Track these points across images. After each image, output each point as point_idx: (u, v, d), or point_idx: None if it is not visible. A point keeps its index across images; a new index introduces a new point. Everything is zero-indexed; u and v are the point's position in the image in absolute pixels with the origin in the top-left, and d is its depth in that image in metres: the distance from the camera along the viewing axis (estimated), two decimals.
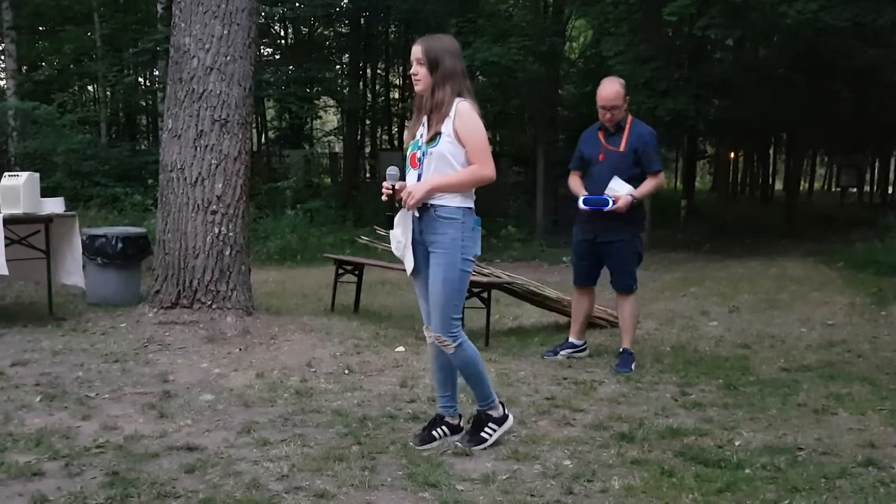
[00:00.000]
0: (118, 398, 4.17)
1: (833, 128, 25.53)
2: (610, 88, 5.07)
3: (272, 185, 15.39)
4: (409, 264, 3.44)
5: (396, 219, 3.43)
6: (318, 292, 8.28)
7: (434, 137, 3.33)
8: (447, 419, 3.56)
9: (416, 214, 3.37)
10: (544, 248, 14.62)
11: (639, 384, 4.72)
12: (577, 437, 3.66)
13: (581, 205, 5.12)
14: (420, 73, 3.33)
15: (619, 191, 4.97)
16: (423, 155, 3.36)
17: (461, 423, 3.60)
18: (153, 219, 8.62)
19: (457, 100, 3.33)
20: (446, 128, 3.32)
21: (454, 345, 3.39)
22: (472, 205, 3.40)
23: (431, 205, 3.33)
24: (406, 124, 28.19)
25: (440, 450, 3.44)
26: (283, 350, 5.34)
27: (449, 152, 3.32)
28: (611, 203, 4.94)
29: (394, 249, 3.51)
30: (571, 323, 5.59)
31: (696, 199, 26.13)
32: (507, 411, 3.61)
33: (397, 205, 3.35)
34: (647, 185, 5.05)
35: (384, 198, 3.39)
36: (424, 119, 3.40)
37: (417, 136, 3.43)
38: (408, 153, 3.47)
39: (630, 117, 5.16)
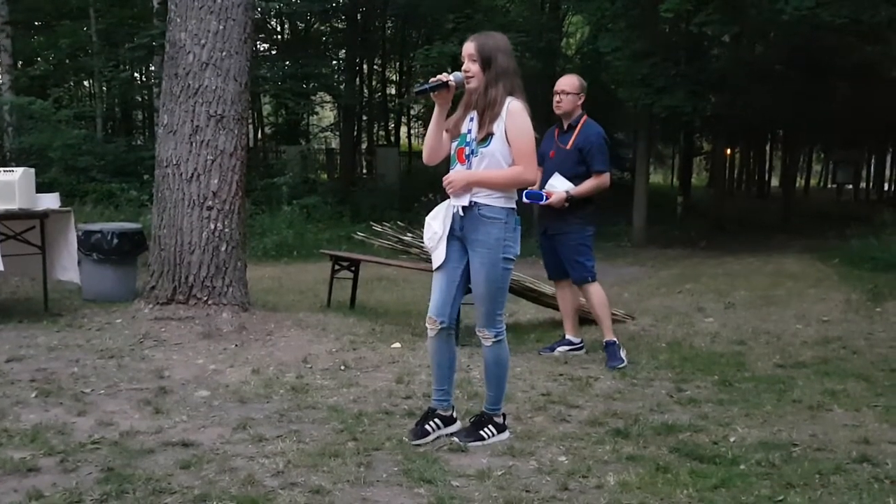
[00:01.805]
0: (114, 394, 4.17)
1: (829, 124, 25.58)
2: (566, 77, 5.34)
3: (268, 181, 15.35)
4: (439, 257, 3.46)
5: (437, 209, 3.46)
6: (315, 288, 8.28)
7: (486, 138, 3.34)
8: (439, 412, 3.57)
9: (461, 213, 3.38)
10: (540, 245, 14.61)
11: (634, 380, 4.73)
12: (572, 434, 3.66)
13: (523, 198, 5.26)
14: (473, 70, 3.34)
15: (557, 187, 5.14)
16: (473, 153, 3.37)
17: (454, 414, 3.62)
18: (149, 214, 8.61)
19: (508, 99, 3.34)
20: (498, 128, 3.33)
21: (494, 339, 3.49)
22: (514, 205, 3.43)
23: (476, 203, 3.35)
24: (403, 120, 28.22)
25: (435, 445, 3.45)
26: (279, 346, 5.34)
27: (500, 153, 3.35)
28: (545, 198, 5.12)
29: (426, 240, 3.51)
30: (563, 319, 5.62)
31: (693, 195, 26.15)
32: (506, 424, 3.63)
33: (430, 90, 3.34)
34: (587, 185, 5.16)
35: (433, 78, 3.39)
36: (473, 115, 3.39)
37: (464, 131, 3.42)
38: (454, 146, 3.47)
39: (584, 117, 5.26)
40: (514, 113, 3.34)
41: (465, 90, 3.42)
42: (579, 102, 5.23)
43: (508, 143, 3.34)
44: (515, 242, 3.44)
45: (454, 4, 17.43)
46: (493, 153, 3.34)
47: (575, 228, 5.21)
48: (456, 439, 3.49)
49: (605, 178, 5.23)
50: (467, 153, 3.40)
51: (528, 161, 3.36)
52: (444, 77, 3.36)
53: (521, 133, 3.35)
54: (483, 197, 3.36)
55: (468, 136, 3.40)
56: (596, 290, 5.28)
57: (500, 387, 3.58)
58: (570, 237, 5.22)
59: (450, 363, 3.60)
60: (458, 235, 3.44)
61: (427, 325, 3.57)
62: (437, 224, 3.45)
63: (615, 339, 5.22)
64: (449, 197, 3.44)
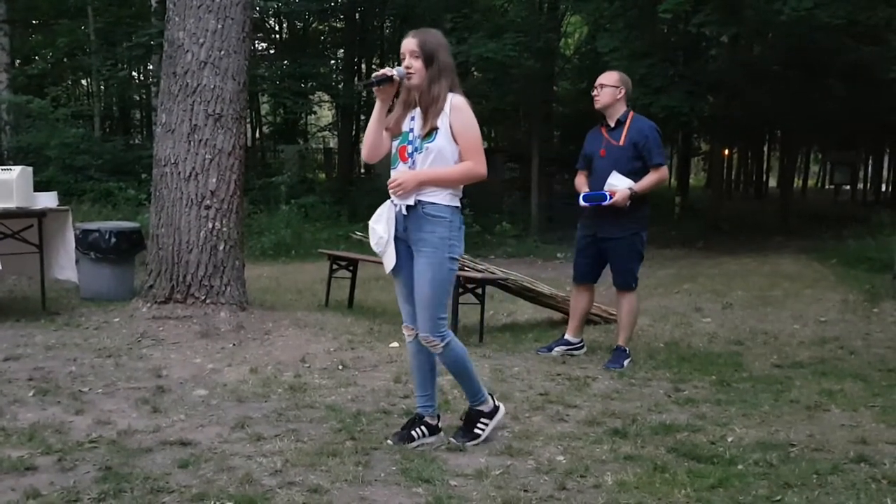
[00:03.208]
0: (111, 393, 4.16)
1: (827, 125, 25.57)
2: (609, 73, 5.24)
3: (266, 181, 15.35)
4: (389, 262, 3.38)
5: (378, 212, 3.38)
6: (313, 288, 8.28)
7: (430, 133, 3.27)
8: (426, 419, 3.51)
9: (404, 212, 3.31)
10: (538, 245, 14.63)
11: (632, 380, 4.73)
12: (570, 433, 3.67)
13: (581, 201, 5.13)
14: (415, 66, 3.27)
15: (617, 185, 4.96)
16: (417, 150, 3.30)
17: (439, 424, 3.55)
18: (147, 213, 8.61)
19: (450, 94, 3.29)
20: (442, 123, 3.27)
21: (442, 344, 3.35)
22: (458, 203, 3.36)
23: (420, 202, 3.28)
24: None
25: (421, 448, 3.42)
26: (277, 345, 5.34)
27: (446, 149, 3.27)
28: (608, 198, 4.95)
29: (373, 245, 3.42)
30: (569, 319, 5.59)
31: (691, 195, 26.16)
32: (496, 402, 3.60)
33: (375, 84, 3.26)
34: (649, 179, 5.00)
35: (378, 73, 3.31)
36: (415, 113, 3.33)
37: (406, 129, 3.35)
38: (395, 145, 3.39)
39: (632, 112, 5.13)
40: (459, 108, 3.27)
41: (402, 88, 3.34)
42: (619, 96, 5.06)
43: (454, 138, 3.29)
44: (460, 242, 3.36)
45: (452, 4, 17.42)
46: (440, 149, 3.26)
47: (629, 233, 5.05)
48: (453, 440, 3.48)
49: (664, 172, 5.15)
50: (410, 151, 3.32)
51: (476, 155, 3.29)
52: (388, 71, 3.30)
53: (468, 128, 3.29)
54: (428, 195, 3.28)
55: (410, 134, 3.32)
56: (633, 299, 5.21)
57: (469, 380, 3.51)
58: (624, 242, 5.06)
59: (430, 366, 3.52)
60: (402, 237, 3.35)
61: (404, 330, 3.53)
62: (380, 228, 3.35)
63: (628, 349, 5.19)
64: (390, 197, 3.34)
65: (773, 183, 39.01)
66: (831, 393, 4.42)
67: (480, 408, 3.54)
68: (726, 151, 28.01)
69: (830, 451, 3.44)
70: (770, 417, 3.97)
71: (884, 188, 36.12)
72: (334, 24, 23.05)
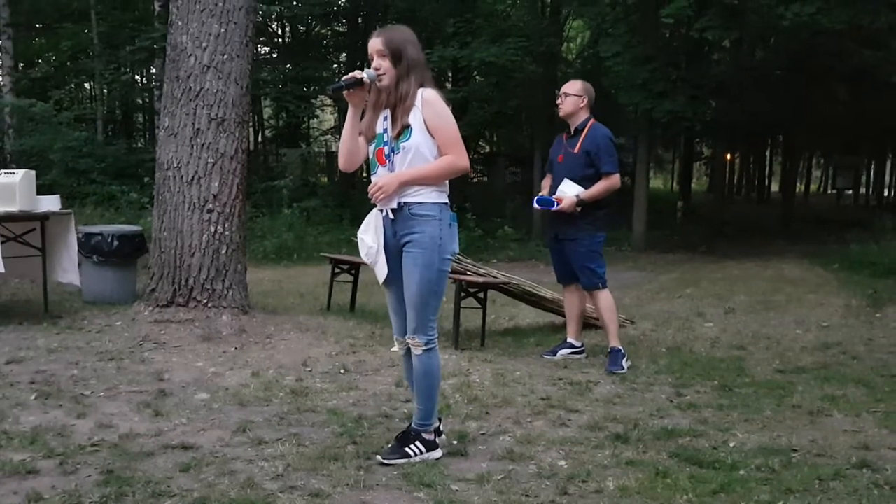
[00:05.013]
0: (113, 396, 4.17)
1: (829, 129, 25.60)
2: (572, 82, 5.42)
3: (269, 184, 15.36)
4: (381, 272, 3.26)
5: (366, 222, 3.29)
6: (315, 291, 8.28)
7: (403, 131, 3.16)
8: (423, 434, 3.39)
9: (391, 216, 3.21)
10: (540, 249, 14.61)
11: (634, 385, 4.73)
12: (572, 438, 3.66)
13: (535, 204, 5.35)
14: (383, 67, 3.16)
15: (567, 192, 5.14)
16: (393, 150, 3.18)
17: (440, 427, 3.45)
18: (149, 217, 8.61)
19: (421, 89, 3.17)
20: (415, 119, 3.15)
21: (425, 347, 3.24)
22: (446, 200, 3.26)
23: (405, 203, 3.18)
24: None
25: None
26: (279, 349, 5.34)
27: (423, 145, 3.15)
28: (556, 204, 5.13)
29: (364, 256, 3.30)
30: (567, 322, 5.62)
31: (693, 200, 26.18)
32: (438, 441, 3.39)
33: (344, 88, 3.16)
34: (598, 187, 5.13)
35: (347, 76, 3.20)
36: (386, 113, 3.22)
37: (380, 131, 3.24)
38: (371, 149, 3.29)
39: (592, 121, 5.26)
40: (430, 101, 3.15)
41: (372, 90, 3.24)
42: (581, 105, 5.22)
43: (430, 133, 3.16)
44: (452, 240, 3.27)
45: (455, 9, 17.45)
46: (417, 146, 3.14)
47: (585, 234, 5.18)
48: (378, 457, 3.28)
49: (615, 180, 5.21)
50: (387, 153, 3.19)
51: (456, 148, 3.17)
52: (357, 74, 3.19)
53: (442, 120, 3.16)
54: (412, 195, 3.16)
55: (385, 135, 3.20)
56: (605, 297, 5.24)
57: (430, 399, 3.31)
58: (581, 243, 5.18)
59: None
60: (392, 244, 3.22)
61: (396, 343, 3.47)
62: (369, 238, 3.24)
63: (620, 347, 5.21)
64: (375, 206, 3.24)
65: (775, 187, 39.01)
66: (833, 398, 4.41)
67: (423, 434, 3.33)
68: (729, 156, 28.04)
69: (833, 457, 3.44)
70: (772, 423, 3.96)
71: (886, 192, 36.12)
72: (337, 28, 23.09)
